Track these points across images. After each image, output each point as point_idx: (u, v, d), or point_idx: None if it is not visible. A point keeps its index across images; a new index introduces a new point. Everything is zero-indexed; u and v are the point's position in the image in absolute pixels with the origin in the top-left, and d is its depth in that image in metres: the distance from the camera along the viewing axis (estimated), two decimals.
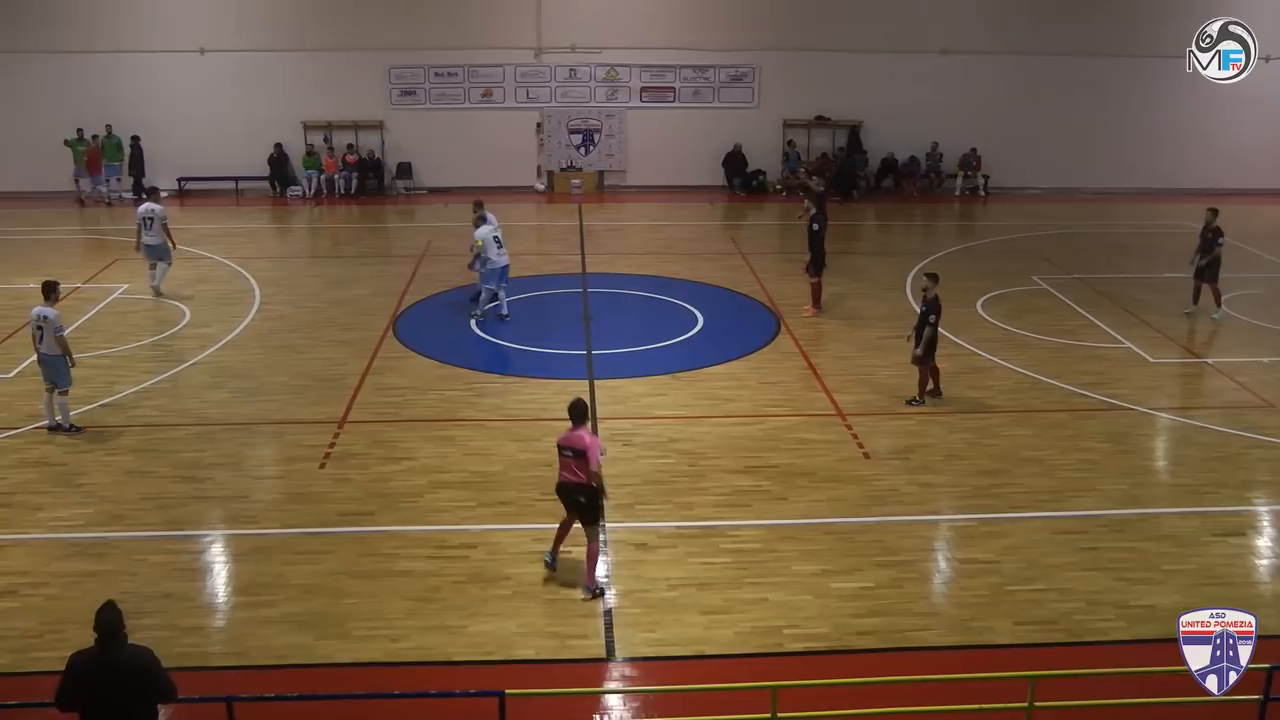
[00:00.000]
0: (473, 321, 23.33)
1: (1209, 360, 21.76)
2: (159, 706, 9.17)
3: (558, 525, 13.84)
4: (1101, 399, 19.66)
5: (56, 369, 17.73)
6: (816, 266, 24.03)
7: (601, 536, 14.74)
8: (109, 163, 36.66)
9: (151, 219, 25.42)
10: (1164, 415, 19.14)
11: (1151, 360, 21.65)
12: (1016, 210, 36.96)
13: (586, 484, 13.15)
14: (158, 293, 25.49)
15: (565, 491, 13.44)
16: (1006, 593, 13.57)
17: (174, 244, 26.02)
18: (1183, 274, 25.33)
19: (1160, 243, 32.18)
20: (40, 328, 17.64)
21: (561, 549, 14.31)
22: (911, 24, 37.87)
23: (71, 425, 17.96)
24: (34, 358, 18.28)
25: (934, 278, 19.31)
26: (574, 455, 13.14)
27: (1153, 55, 35.85)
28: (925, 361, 19.22)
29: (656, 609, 12.99)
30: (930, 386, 19.48)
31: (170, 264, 25.90)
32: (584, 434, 13.28)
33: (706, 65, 38.49)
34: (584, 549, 13.40)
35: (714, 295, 26.01)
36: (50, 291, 17.96)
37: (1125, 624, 12.94)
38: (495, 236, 23.13)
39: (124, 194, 36.88)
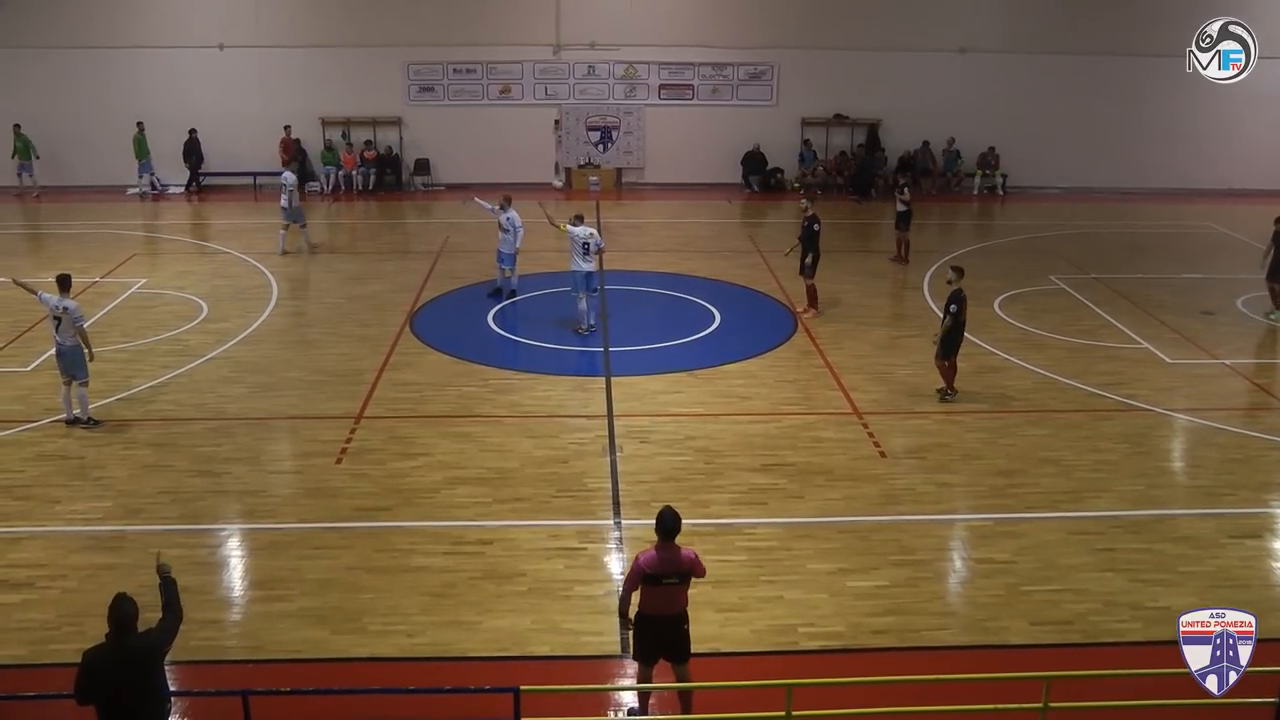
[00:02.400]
0: (582, 330, 22.75)
1: (1227, 361, 21.66)
2: (172, 694, 9.21)
3: (636, 683, 11.45)
4: (1119, 400, 19.60)
5: (75, 360, 17.73)
6: (813, 269, 23.96)
7: (616, 534, 14.81)
8: (141, 159, 36.89)
9: (288, 186, 29.18)
10: (1181, 416, 19.07)
11: (1169, 361, 21.57)
12: (1034, 209, 36.85)
13: (686, 611, 10.97)
14: (282, 251, 29.16)
15: (663, 628, 10.91)
16: (1022, 593, 13.54)
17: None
18: (1199, 275, 25.23)
19: (1178, 243, 32.11)
20: (58, 318, 17.67)
21: (578, 545, 14.37)
22: (931, 23, 37.77)
23: (90, 418, 18.02)
24: (49, 353, 18.38)
25: (959, 271, 19.31)
26: (679, 581, 10.74)
27: (1172, 55, 35.27)
28: (943, 356, 19.19)
29: None
30: (943, 385, 19.49)
31: (304, 225, 29.72)
32: (688, 552, 10.80)
33: (725, 63, 38.44)
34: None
35: (731, 293, 26.01)
36: (66, 285, 17.97)
37: (1141, 625, 12.91)
38: (584, 242, 22.28)
39: (146, 189, 37.15)
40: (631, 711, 11.50)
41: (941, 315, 19.31)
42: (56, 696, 9.72)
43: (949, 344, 19.13)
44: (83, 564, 13.92)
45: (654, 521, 10.70)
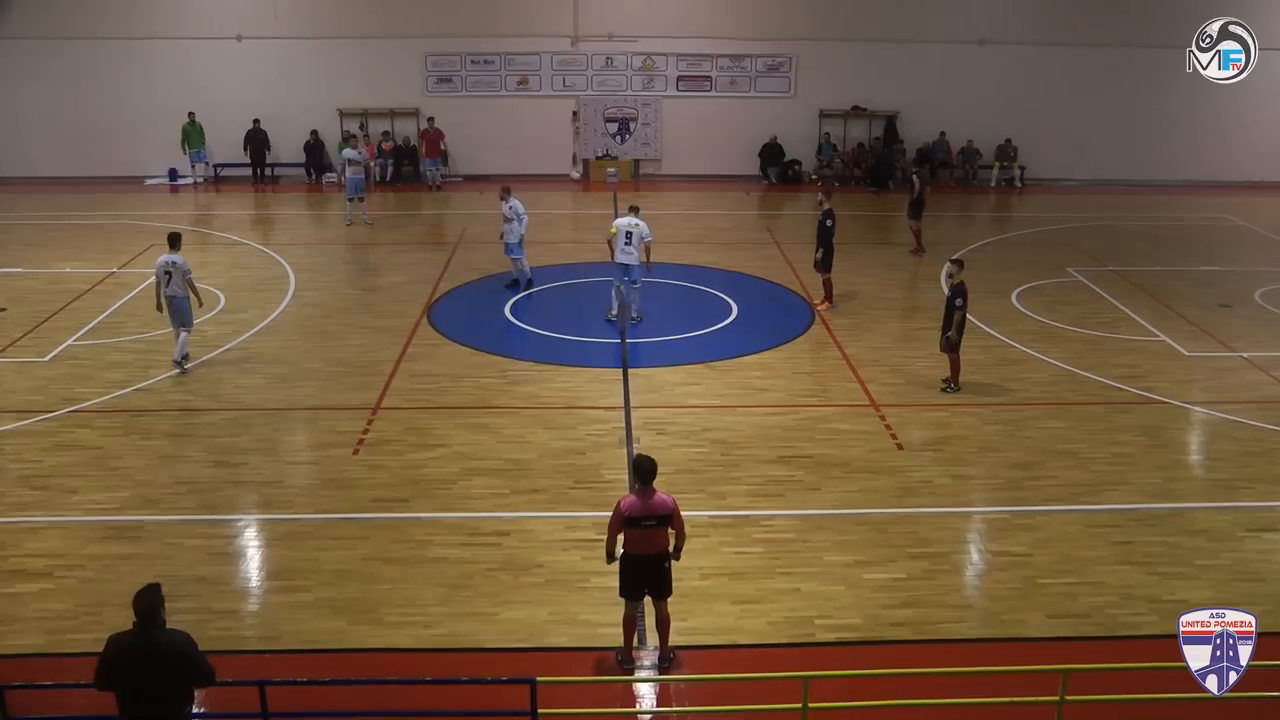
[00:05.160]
0: (609, 318, 22.85)
1: (1245, 354, 21.56)
2: (195, 689, 9.22)
3: (622, 624, 11.96)
4: (1136, 392, 19.53)
5: (184, 309, 19.74)
6: (827, 263, 23.92)
7: None
8: (194, 149, 37.16)
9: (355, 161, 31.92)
10: (1199, 409, 18.99)
11: (1187, 354, 21.49)
12: (1052, 202, 36.76)
13: (667, 550, 11.71)
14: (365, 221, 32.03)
15: (645, 567, 11.62)
16: (1039, 586, 13.51)
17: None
18: (1217, 267, 25.11)
19: (1197, 235, 31.98)
20: (169, 272, 19.52)
21: (596, 537, 14.35)
22: (949, 14, 37.68)
23: (182, 360, 19.77)
24: (67, 343, 18.79)
25: (959, 264, 19.44)
26: (657, 524, 11.43)
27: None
28: (958, 347, 19.21)
29: (689, 598, 12.95)
30: (948, 377, 19.50)
31: (363, 198, 32.25)
32: (665, 497, 11.52)
33: (743, 54, 38.40)
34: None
35: (749, 285, 25.98)
36: (176, 242, 19.89)
37: (1158, 618, 12.84)
38: (628, 232, 22.34)
39: (197, 179, 37.66)
40: (620, 659, 11.94)
41: (946, 310, 19.28)
42: (74, 686, 9.76)
43: (961, 335, 19.18)
44: (100, 554, 13.98)
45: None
